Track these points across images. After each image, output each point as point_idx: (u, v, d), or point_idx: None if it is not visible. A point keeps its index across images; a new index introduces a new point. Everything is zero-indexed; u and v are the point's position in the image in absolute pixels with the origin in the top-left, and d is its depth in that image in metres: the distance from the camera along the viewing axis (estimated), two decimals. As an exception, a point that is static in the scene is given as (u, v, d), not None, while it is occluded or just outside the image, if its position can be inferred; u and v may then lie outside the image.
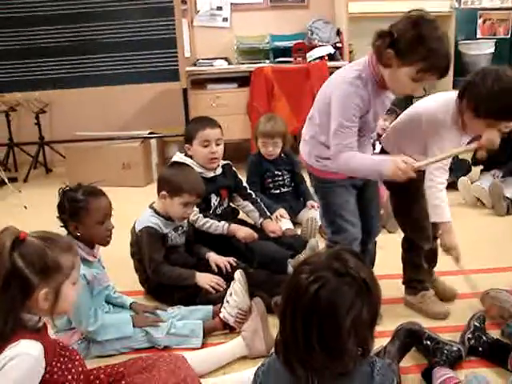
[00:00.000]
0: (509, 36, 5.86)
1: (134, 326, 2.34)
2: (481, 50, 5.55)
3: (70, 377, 1.68)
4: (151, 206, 2.76)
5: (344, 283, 1.27)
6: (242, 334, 2.28)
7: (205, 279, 2.64)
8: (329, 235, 2.39)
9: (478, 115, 2.19)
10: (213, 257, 2.82)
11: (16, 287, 1.51)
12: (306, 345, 1.28)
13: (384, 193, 3.86)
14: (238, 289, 2.42)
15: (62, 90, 4.79)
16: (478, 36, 5.81)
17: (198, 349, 2.32)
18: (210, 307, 2.53)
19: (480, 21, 5.81)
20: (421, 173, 2.22)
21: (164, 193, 2.69)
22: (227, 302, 2.43)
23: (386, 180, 2.33)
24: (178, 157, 3.14)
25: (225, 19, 5.44)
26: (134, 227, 2.77)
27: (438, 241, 2.50)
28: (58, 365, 1.65)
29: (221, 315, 2.42)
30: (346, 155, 2.12)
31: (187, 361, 2.02)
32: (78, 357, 1.78)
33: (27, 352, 1.50)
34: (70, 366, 1.69)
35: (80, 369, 1.75)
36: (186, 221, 2.84)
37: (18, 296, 1.51)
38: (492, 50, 5.57)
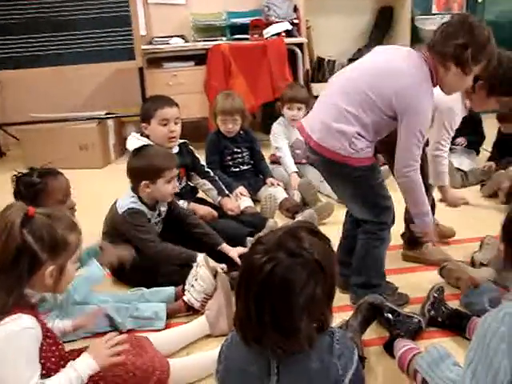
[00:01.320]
0: (463, 11, 5.92)
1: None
2: (436, 24, 5.52)
3: (53, 359, 1.65)
4: (135, 194, 2.65)
5: (297, 264, 1.27)
6: (206, 312, 2.27)
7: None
8: (375, 219, 2.33)
9: (492, 94, 2.47)
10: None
11: (24, 263, 1.54)
12: (259, 324, 1.28)
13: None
14: (203, 274, 2.40)
15: (14, 70, 4.63)
16: (433, 11, 5.84)
17: (161, 330, 2.31)
18: (173, 288, 2.51)
19: (435, -4, 5.85)
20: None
21: (145, 182, 2.59)
22: (192, 286, 2.41)
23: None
24: (135, 137, 3.09)
25: (181, -4, 5.33)
26: (113, 208, 2.69)
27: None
28: (44, 347, 1.62)
29: (185, 298, 2.41)
30: (418, 175, 2.19)
31: (151, 342, 2.01)
32: (59, 340, 1.75)
33: (31, 326, 1.53)
34: (53, 348, 1.67)
35: (62, 353, 1.72)
36: (164, 209, 2.79)
37: (26, 272, 1.55)
38: (447, 25, 5.60)
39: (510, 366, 1.49)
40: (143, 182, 2.59)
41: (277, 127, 3.91)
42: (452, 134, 2.63)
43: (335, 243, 3.00)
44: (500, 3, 5.76)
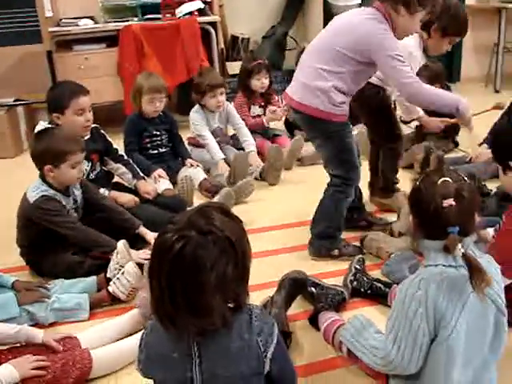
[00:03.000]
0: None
1: (19, 305, 2.21)
2: (348, 0, 5.65)
3: None
4: (44, 181, 2.54)
5: (207, 241, 1.26)
6: (138, 309, 2.20)
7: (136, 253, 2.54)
8: (344, 174, 2.56)
9: (445, 35, 2.76)
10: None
11: None
12: (172, 303, 1.27)
13: (285, 143, 3.95)
14: (130, 270, 2.35)
15: None
16: (345, -13, 5.90)
17: (85, 321, 2.27)
18: (94, 278, 2.45)
19: (345, -27, 5.90)
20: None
21: (48, 167, 2.48)
22: (118, 279, 2.36)
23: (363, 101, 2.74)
24: (43, 126, 2.95)
25: (87, -25, 5.14)
26: (24, 199, 2.57)
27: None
28: None
29: (110, 289, 2.36)
30: (416, 84, 2.36)
31: (79, 341, 2.00)
32: None
33: None
34: None
35: None
36: (79, 193, 2.70)
37: None
38: (359, 1, 5.68)
39: (428, 328, 1.54)
40: (46, 167, 2.49)
41: (195, 115, 3.86)
42: None
43: (255, 221, 3.05)
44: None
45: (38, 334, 1.98)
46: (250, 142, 3.91)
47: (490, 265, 1.64)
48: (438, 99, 2.43)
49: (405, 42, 2.54)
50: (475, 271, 1.47)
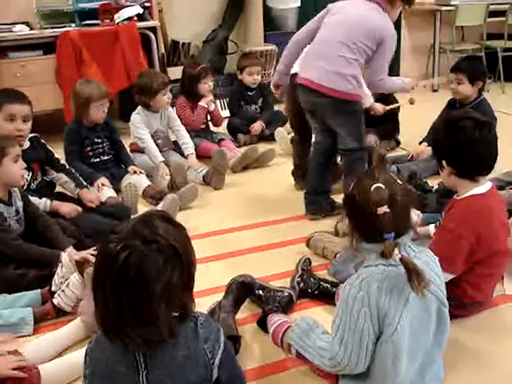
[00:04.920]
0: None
1: None
2: (287, 3, 5.69)
3: None
4: None
5: (152, 250, 1.25)
6: (82, 318, 2.16)
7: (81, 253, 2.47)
8: (360, 146, 2.98)
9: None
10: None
11: None
12: (119, 314, 1.25)
13: (230, 146, 3.96)
14: (75, 281, 2.30)
15: None
16: (284, -10, 5.95)
17: (30, 336, 2.20)
18: (38, 291, 2.37)
19: (285, -24, 5.95)
20: None
21: None
22: (63, 291, 2.30)
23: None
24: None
25: (19, -22, 5.00)
26: None
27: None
28: None
29: (55, 302, 2.30)
30: (388, 79, 2.91)
31: (20, 352, 1.93)
32: None
33: None
34: None
35: None
36: (21, 204, 2.62)
37: None
38: (298, 3, 5.73)
39: (372, 327, 1.57)
40: None
41: (136, 117, 3.81)
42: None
43: (200, 226, 3.04)
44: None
45: None
46: (189, 144, 3.91)
47: (429, 259, 1.68)
48: (395, 85, 3.05)
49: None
50: (413, 273, 1.50)
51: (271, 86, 3.26)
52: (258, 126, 4.53)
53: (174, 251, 1.27)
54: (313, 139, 3.24)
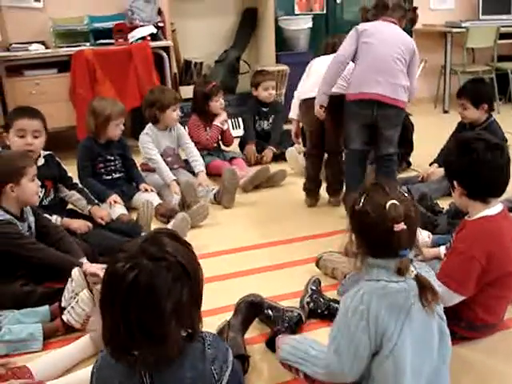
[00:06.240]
0: (324, 11, 6.14)
1: None
2: (299, 25, 5.74)
3: None
4: None
5: (161, 268, 1.26)
6: (90, 334, 2.17)
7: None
8: (396, 150, 3.29)
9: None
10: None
11: None
12: (128, 332, 1.25)
13: (242, 165, 3.99)
14: (85, 298, 2.30)
15: None
16: (296, 12, 6.00)
17: (39, 352, 2.19)
18: (46, 308, 2.38)
19: (297, -3, 6.01)
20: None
21: (10, 185, 2.47)
22: (72, 307, 2.30)
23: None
24: (-4, 150, 2.93)
25: (37, -1, 5.09)
26: None
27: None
28: None
29: (64, 318, 2.30)
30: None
31: (29, 370, 1.93)
32: None
33: None
34: None
35: None
36: (32, 219, 2.65)
37: None
38: (310, 24, 5.79)
39: (369, 341, 1.57)
40: (8, 186, 2.48)
41: (144, 138, 3.85)
42: None
43: (210, 245, 3.05)
44: (357, 4, 6.03)
45: None
46: (198, 162, 3.93)
47: (428, 274, 1.69)
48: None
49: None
50: (428, 290, 1.50)
51: (316, 107, 3.31)
52: (269, 153, 4.53)
53: (183, 269, 1.28)
54: (353, 147, 3.33)
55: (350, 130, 3.29)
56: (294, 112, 3.81)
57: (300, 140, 4.07)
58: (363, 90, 3.13)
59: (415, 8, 3.50)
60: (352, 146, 3.32)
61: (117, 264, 1.26)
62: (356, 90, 3.17)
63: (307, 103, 3.44)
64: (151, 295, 1.23)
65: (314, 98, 3.31)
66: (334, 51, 3.38)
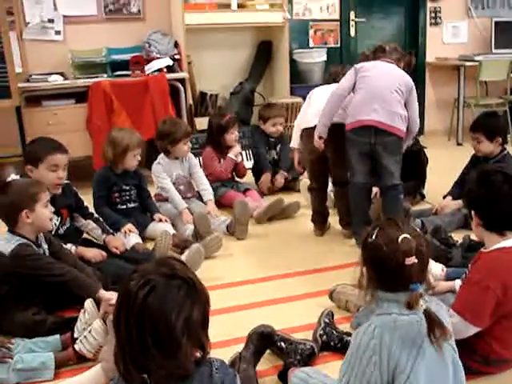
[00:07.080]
0: (338, 45, 6.22)
1: None
2: (314, 58, 5.82)
3: None
4: (13, 234, 2.53)
5: (173, 285, 1.32)
6: (102, 364, 2.15)
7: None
8: (400, 182, 3.31)
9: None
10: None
11: None
12: (142, 348, 1.29)
13: (255, 197, 4.00)
14: (98, 327, 2.29)
15: None
16: (310, 45, 6.09)
17: (50, 381, 2.20)
18: (57, 337, 2.38)
19: (311, 31, 6.10)
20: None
21: (25, 212, 2.49)
22: (85, 337, 2.29)
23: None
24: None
25: (57, 32, 5.19)
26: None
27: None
28: None
29: (76, 347, 2.29)
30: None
31: None
32: None
33: None
34: None
35: None
36: (46, 246, 2.67)
37: None
38: (324, 58, 5.86)
39: (380, 376, 1.56)
40: (23, 212, 2.49)
41: (157, 167, 3.89)
42: None
43: (223, 276, 3.07)
44: (370, 38, 6.12)
45: None
46: (207, 191, 3.95)
47: (439, 308, 1.68)
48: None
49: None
50: (436, 326, 1.50)
51: (315, 138, 3.37)
52: (280, 178, 4.57)
53: (193, 286, 1.34)
54: (355, 180, 3.37)
55: (351, 161, 3.34)
56: (295, 141, 3.87)
57: (302, 169, 4.11)
58: (360, 118, 3.22)
59: (411, 52, 3.78)
60: (354, 178, 3.36)
61: (130, 282, 1.33)
62: (353, 118, 3.25)
63: (308, 132, 3.50)
64: (164, 311, 1.28)
65: (314, 127, 3.38)
66: (334, 81, 3.56)
